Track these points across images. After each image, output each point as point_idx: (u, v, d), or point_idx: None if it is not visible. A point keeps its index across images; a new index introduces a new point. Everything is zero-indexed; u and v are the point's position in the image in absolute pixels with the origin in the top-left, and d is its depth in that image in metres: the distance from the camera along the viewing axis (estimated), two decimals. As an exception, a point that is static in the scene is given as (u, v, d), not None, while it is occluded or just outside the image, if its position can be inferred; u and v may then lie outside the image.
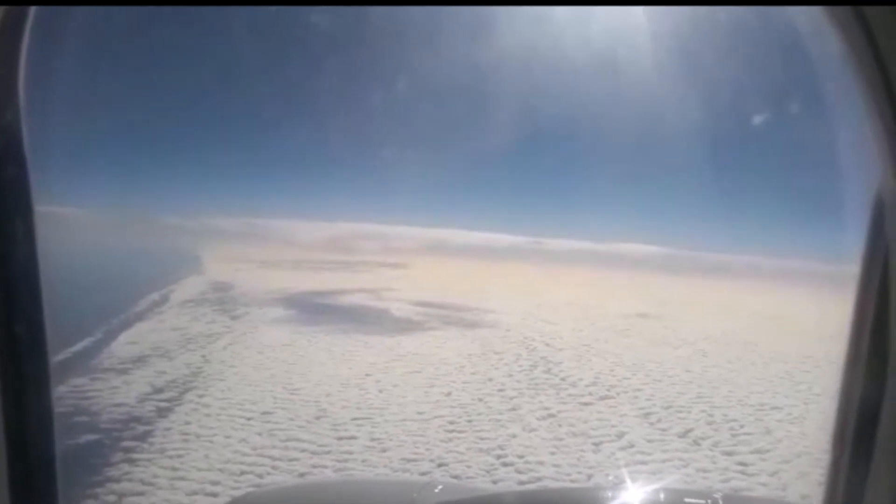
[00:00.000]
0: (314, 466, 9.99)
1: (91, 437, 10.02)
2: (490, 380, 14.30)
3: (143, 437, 10.42)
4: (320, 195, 40.23)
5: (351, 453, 10.39)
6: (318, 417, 11.66)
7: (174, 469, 9.50)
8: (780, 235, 37.21)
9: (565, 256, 35.68)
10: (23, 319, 1.70)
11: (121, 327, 16.06)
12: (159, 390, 12.35)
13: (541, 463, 10.28)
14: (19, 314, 1.69)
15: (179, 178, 37.80)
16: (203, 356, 14.78)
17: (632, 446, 11.04)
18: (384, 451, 10.56)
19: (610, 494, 2.95)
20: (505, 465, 10.22)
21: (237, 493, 9.27)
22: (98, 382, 12.20)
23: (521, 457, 10.47)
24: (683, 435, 11.53)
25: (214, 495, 8.95)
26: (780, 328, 20.02)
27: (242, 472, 9.62)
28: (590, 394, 13.49)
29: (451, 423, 11.74)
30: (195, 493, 9.02)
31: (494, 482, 9.59)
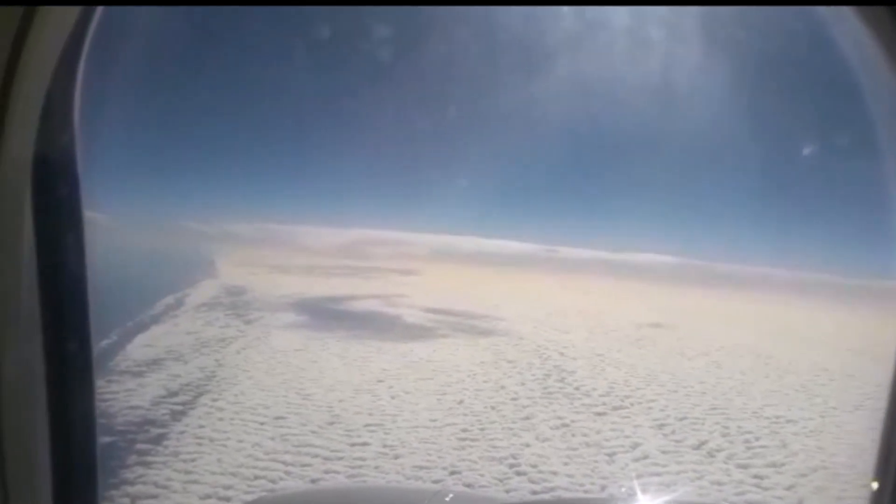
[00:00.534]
0: (327, 472, 9.99)
1: (106, 439, 10.07)
2: (503, 388, 14.26)
3: (158, 440, 10.47)
4: (334, 201, 40.39)
5: (364, 460, 10.38)
6: (330, 423, 11.66)
7: (188, 473, 9.54)
8: (795, 247, 36.96)
9: (579, 265, 35.59)
10: (72, 329, 1.76)
11: (136, 330, 16.15)
12: (174, 393, 12.41)
13: (554, 473, 10.23)
14: (69, 324, 1.75)
15: (195, 184, 38.08)
16: (217, 360, 14.84)
17: (646, 457, 10.96)
18: (397, 457, 10.54)
19: None
20: (518, 474, 10.18)
21: (249, 499, 9.30)
22: (113, 385, 12.27)
23: (534, 466, 10.43)
24: (698, 447, 11.44)
25: (227, 499, 8.97)
26: (794, 340, 19.87)
27: (256, 477, 9.63)
28: (603, 404, 13.41)
29: (464, 430, 11.70)
30: (208, 496, 9.05)
31: (507, 492, 9.55)
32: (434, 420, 12.15)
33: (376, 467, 10.20)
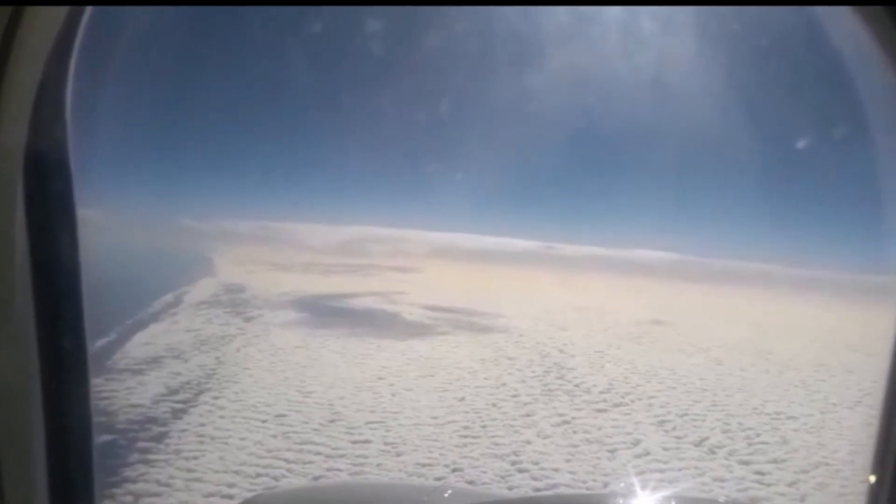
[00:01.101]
0: (329, 469, 9.99)
1: (107, 437, 10.05)
2: (503, 385, 14.26)
3: (159, 438, 10.46)
4: (333, 198, 40.37)
5: (366, 457, 10.38)
6: (331, 420, 11.66)
7: (190, 470, 9.53)
8: (795, 243, 37.00)
9: (578, 262, 35.57)
10: (67, 327, 1.75)
11: (135, 328, 16.12)
12: (174, 391, 12.39)
13: (556, 469, 10.24)
14: (63, 321, 1.74)
15: (192, 181, 38.01)
16: (217, 358, 14.83)
17: (647, 454, 10.98)
18: (398, 455, 10.54)
19: (626, 502, 2.94)
20: (520, 471, 10.19)
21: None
22: (113, 383, 12.25)
23: (535, 463, 10.43)
24: (699, 443, 11.46)
25: (230, 497, 8.96)
26: (794, 336, 19.90)
27: (258, 475, 9.63)
28: (604, 400, 13.43)
29: (465, 427, 11.71)
30: (211, 494, 9.04)
31: (510, 488, 9.56)
32: (435, 417, 12.15)
33: (378, 465, 10.20)
